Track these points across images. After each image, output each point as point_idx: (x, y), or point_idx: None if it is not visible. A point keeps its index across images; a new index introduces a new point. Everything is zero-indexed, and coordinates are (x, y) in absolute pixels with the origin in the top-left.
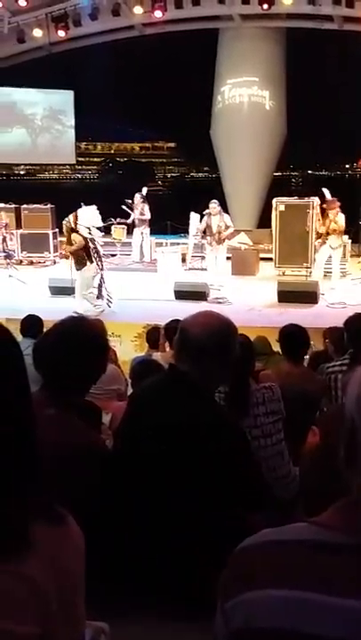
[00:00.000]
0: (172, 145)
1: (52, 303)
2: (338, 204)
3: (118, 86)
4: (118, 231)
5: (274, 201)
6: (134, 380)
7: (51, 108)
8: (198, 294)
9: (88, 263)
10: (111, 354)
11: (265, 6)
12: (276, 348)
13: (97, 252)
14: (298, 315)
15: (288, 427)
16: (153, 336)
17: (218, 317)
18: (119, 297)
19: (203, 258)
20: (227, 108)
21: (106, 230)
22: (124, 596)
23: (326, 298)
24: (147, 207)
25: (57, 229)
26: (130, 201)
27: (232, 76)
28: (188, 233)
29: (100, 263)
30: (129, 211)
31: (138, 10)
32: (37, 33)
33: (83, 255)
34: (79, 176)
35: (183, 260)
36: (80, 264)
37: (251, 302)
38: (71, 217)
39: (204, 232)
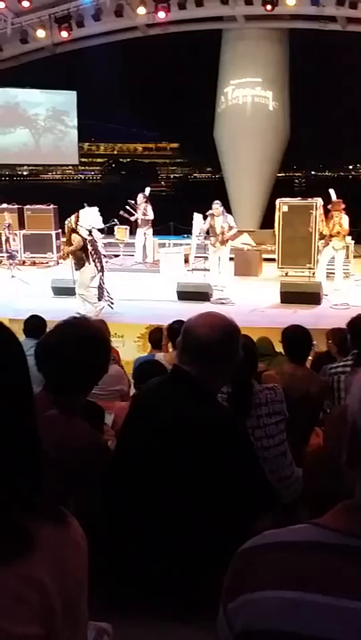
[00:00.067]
0: (175, 145)
1: (55, 303)
2: (343, 205)
3: (121, 87)
4: (121, 232)
5: (277, 202)
6: (137, 381)
7: (54, 108)
8: (201, 295)
9: (86, 264)
10: (114, 354)
11: (268, 7)
12: (279, 348)
13: (96, 253)
14: (301, 316)
15: (291, 427)
16: (156, 337)
17: (221, 318)
18: (122, 297)
19: (206, 258)
20: (230, 108)
21: (109, 231)
22: (127, 596)
23: (330, 299)
24: (150, 208)
25: (60, 230)
26: (133, 201)
27: (235, 76)
28: (190, 234)
29: (98, 264)
30: (132, 211)
31: (141, 11)
32: (40, 34)
33: (81, 256)
34: (82, 176)
35: (186, 261)
36: (79, 264)
37: (254, 303)
38: (73, 217)
39: (208, 233)
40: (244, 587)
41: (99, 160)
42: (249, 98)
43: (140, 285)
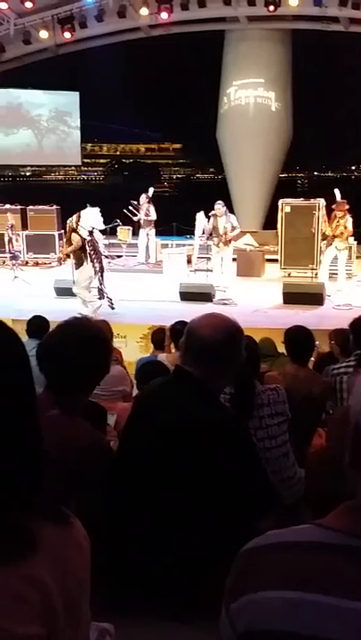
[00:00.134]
0: (177, 146)
1: (58, 304)
2: (347, 206)
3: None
4: (124, 232)
5: (280, 202)
6: (140, 382)
7: (57, 109)
8: (204, 296)
9: (85, 263)
10: (116, 355)
11: (271, 8)
12: (282, 349)
13: (96, 254)
14: (303, 316)
15: (293, 428)
16: (158, 337)
17: (224, 319)
18: (125, 298)
19: (208, 259)
20: (233, 109)
21: (111, 232)
22: (127, 596)
23: (332, 299)
24: (152, 208)
25: (62, 230)
26: (135, 202)
27: (238, 77)
28: (193, 234)
29: (97, 265)
30: (135, 212)
31: (144, 11)
32: (43, 34)
33: (81, 255)
34: (85, 177)
35: (189, 262)
36: (79, 264)
37: (256, 304)
38: (74, 217)
39: (211, 234)
40: (246, 587)
41: (101, 161)
42: (251, 98)
43: (143, 286)
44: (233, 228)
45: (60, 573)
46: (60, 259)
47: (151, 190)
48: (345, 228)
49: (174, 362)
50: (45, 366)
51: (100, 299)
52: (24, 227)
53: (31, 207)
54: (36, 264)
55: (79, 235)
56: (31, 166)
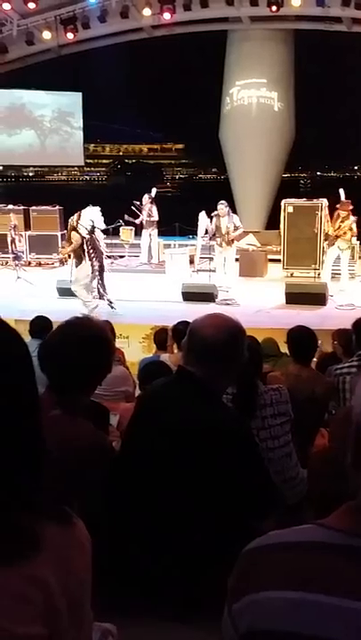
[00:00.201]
0: (180, 146)
1: (60, 304)
2: (351, 207)
3: (127, 88)
4: (126, 233)
5: (282, 202)
6: (142, 382)
7: (59, 109)
8: (206, 296)
9: (83, 262)
10: (119, 355)
11: (274, 8)
12: (285, 349)
13: (95, 253)
14: (306, 316)
15: (296, 429)
16: (161, 338)
17: (226, 319)
18: (127, 298)
19: (211, 259)
20: (235, 109)
21: (114, 232)
22: (127, 596)
23: (335, 299)
24: (155, 209)
25: (65, 231)
26: (138, 202)
27: (241, 77)
28: (196, 234)
29: (96, 264)
30: (137, 212)
31: (146, 12)
32: (46, 35)
33: (80, 253)
34: (87, 178)
35: (191, 262)
36: (79, 262)
37: (259, 304)
38: (75, 216)
39: (214, 234)
40: (248, 587)
41: (104, 161)
42: (254, 99)
43: (145, 286)
44: (236, 228)
45: (63, 573)
46: (62, 259)
47: (154, 191)
48: (350, 229)
49: (177, 362)
50: (46, 366)
51: (99, 298)
52: (27, 227)
53: (34, 207)
54: (39, 264)
55: (79, 233)
56: (34, 167)
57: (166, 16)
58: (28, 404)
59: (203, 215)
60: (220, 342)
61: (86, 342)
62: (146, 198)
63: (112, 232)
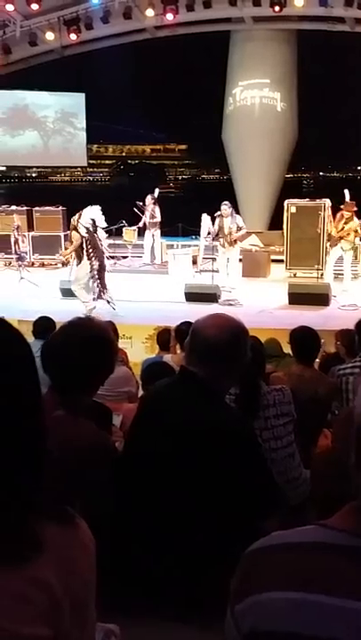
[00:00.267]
0: (183, 147)
1: (64, 305)
2: (355, 208)
3: (130, 89)
4: (129, 233)
5: (285, 203)
6: (145, 382)
7: (62, 110)
8: (209, 296)
9: (83, 261)
10: (122, 356)
11: (276, 8)
12: (287, 350)
13: (95, 252)
14: (309, 317)
15: (299, 429)
16: (164, 338)
17: (229, 319)
18: (130, 299)
19: (214, 260)
20: (238, 109)
21: (117, 232)
22: (129, 596)
23: (338, 300)
24: (157, 209)
25: (68, 231)
26: (141, 203)
27: (243, 77)
28: (199, 235)
29: (95, 263)
30: (139, 214)
31: (149, 13)
32: (49, 36)
33: (80, 253)
34: (91, 178)
35: (194, 262)
36: (79, 262)
37: (262, 304)
38: (76, 215)
39: (217, 234)
40: (251, 588)
41: (107, 162)
42: (257, 99)
43: (148, 287)
44: (239, 229)
45: (66, 574)
46: (64, 262)
47: (157, 191)
48: (356, 232)
49: (180, 362)
50: (49, 366)
51: (98, 298)
52: (30, 228)
53: (37, 208)
54: (42, 265)
55: (78, 232)
56: (37, 167)
57: (169, 17)
58: (29, 405)
59: (205, 217)
60: (223, 342)
61: (88, 343)
62: (149, 199)
63: (115, 232)
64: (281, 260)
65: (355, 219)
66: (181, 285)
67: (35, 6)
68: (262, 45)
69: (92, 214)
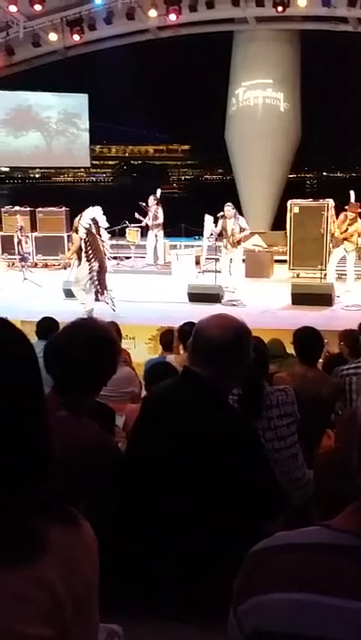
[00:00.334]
0: (186, 147)
1: (67, 305)
2: (360, 210)
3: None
4: (132, 234)
5: (288, 203)
6: (148, 383)
7: (65, 111)
8: (212, 297)
9: (82, 262)
10: (125, 356)
11: (279, 9)
12: (291, 350)
13: (94, 253)
14: (312, 317)
15: (302, 429)
16: (167, 338)
17: (232, 320)
18: (133, 299)
19: (217, 260)
20: (241, 110)
21: (120, 233)
22: (129, 596)
23: (341, 300)
24: (160, 210)
25: (71, 232)
26: (144, 203)
27: (246, 78)
28: (202, 235)
29: (94, 264)
30: (141, 218)
31: (152, 13)
32: (53, 37)
33: (80, 254)
34: (94, 179)
35: (197, 263)
36: (80, 263)
37: (265, 305)
38: (78, 217)
39: (220, 235)
40: (254, 589)
41: (110, 162)
42: (260, 99)
43: (151, 287)
44: (242, 230)
45: (68, 574)
46: (65, 265)
47: (158, 191)
48: (360, 234)
49: (183, 363)
50: (51, 367)
51: (96, 300)
52: (33, 228)
53: (40, 209)
54: (46, 266)
55: (78, 234)
56: (40, 168)
57: (172, 17)
58: (30, 405)
59: (208, 218)
60: (226, 343)
61: (91, 343)
62: (152, 200)
63: (118, 233)
64: (284, 261)
65: (359, 220)
66: (184, 286)
67: (38, 7)
68: (265, 46)
69: (94, 215)
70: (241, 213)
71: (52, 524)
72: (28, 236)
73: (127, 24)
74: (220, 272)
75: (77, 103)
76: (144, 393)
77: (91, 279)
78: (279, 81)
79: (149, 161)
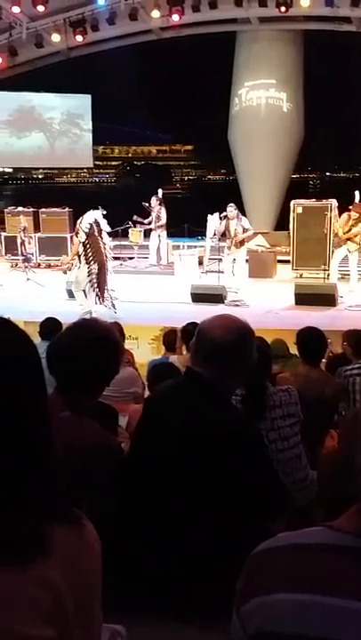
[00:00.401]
0: (189, 148)
1: (69, 306)
2: None
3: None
4: (135, 234)
5: (291, 203)
6: (151, 383)
7: (68, 112)
8: (215, 297)
9: (82, 264)
10: (128, 357)
11: (282, 9)
12: (294, 350)
13: (94, 255)
14: (316, 317)
15: (305, 430)
16: (170, 339)
17: (235, 320)
18: (136, 300)
19: (220, 260)
20: (244, 110)
21: (123, 233)
22: (130, 596)
23: (345, 300)
24: (163, 210)
25: (74, 233)
26: (147, 204)
27: (249, 78)
28: (205, 236)
29: (93, 267)
30: (142, 221)
31: (155, 14)
32: (55, 38)
33: (80, 256)
34: (97, 179)
35: (200, 263)
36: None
37: (268, 305)
38: (80, 219)
39: (223, 235)
40: (257, 589)
41: (113, 163)
42: (263, 99)
43: (154, 288)
44: (245, 230)
45: (71, 574)
46: (64, 270)
47: (160, 191)
48: None
49: (186, 363)
50: (54, 367)
51: (95, 303)
52: (36, 229)
53: (43, 210)
54: (49, 266)
55: (78, 237)
56: (43, 169)
57: (175, 18)
58: (31, 405)
59: (211, 218)
60: (229, 343)
61: (94, 344)
62: (154, 200)
63: (121, 234)
64: (287, 261)
65: None
66: (187, 286)
67: (41, 8)
68: (268, 46)
69: (94, 218)
70: (244, 214)
71: (54, 524)
72: (31, 237)
73: (130, 25)
74: (223, 272)
75: (80, 104)
76: (147, 393)
77: (90, 281)
78: (282, 81)
79: (152, 161)
